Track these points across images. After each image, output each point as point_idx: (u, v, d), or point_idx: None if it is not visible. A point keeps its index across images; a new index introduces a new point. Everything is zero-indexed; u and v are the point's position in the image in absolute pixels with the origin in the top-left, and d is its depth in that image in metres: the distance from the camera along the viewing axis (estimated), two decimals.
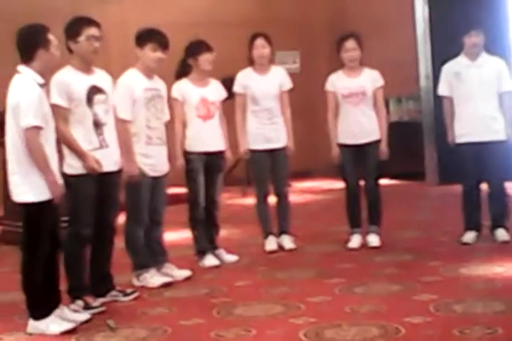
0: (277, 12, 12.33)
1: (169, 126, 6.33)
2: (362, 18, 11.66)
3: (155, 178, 6.01)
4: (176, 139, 6.52)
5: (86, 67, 5.44)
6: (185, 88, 6.57)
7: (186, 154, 6.53)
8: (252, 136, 6.95)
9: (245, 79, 6.97)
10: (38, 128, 4.78)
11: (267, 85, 6.94)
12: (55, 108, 5.15)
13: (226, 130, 6.76)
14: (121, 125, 5.80)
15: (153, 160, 5.98)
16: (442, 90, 6.94)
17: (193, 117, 6.57)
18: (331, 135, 7.00)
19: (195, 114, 6.56)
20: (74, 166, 5.33)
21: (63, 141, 5.28)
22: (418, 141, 11.06)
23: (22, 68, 4.92)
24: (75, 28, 5.39)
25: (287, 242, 7.02)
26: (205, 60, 6.54)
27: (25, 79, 4.88)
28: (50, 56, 4.93)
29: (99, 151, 5.40)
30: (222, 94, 6.77)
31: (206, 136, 6.59)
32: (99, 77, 5.52)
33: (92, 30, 5.39)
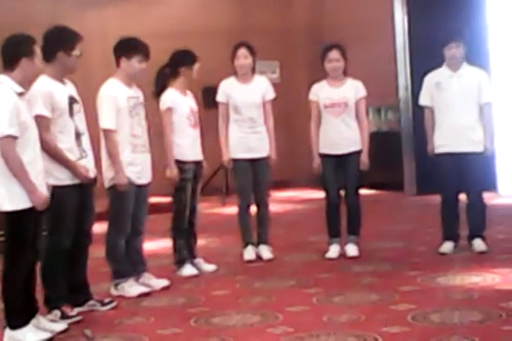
0: (257, 22, 12.36)
1: (158, 135, 6.31)
2: (341, 28, 11.71)
3: (139, 186, 6.00)
4: (169, 148, 6.50)
5: (61, 78, 5.43)
6: (175, 97, 6.55)
7: (179, 163, 6.51)
8: (234, 145, 6.95)
9: (228, 88, 6.98)
10: (12, 137, 4.75)
11: (249, 94, 6.94)
12: (39, 118, 5.13)
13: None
14: (107, 135, 5.82)
15: (138, 167, 5.96)
16: (423, 100, 6.97)
17: (186, 126, 6.56)
18: (312, 145, 7.01)
19: (188, 123, 6.56)
20: (58, 177, 5.29)
21: (49, 152, 5.23)
22: (397, 151, 11.11)
23: (1, 77, 4.91)
24: (71, 40, 5.39)
25: (265, 252, 7.02)
26: (196, 69, 6.58)
27: (2, 89, 4.85)
28: (32, 67, 4.93)
29: (80, 161, 5.39)
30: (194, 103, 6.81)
31: (196, 146, 6.63)
32: (70, 87, 5.52)
33: (81, 46, 5.42)
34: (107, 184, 5.90)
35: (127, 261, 6.04)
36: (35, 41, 4.98)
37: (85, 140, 5.47)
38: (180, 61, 6.59)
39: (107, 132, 5.83)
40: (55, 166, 5.29)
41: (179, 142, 6.53)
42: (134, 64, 5.95)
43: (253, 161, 6.96)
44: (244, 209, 7.02)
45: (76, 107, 5.42)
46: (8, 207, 4.83)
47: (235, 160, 6.97)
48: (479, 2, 10.50)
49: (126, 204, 5.91)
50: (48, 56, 5.32)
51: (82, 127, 5.47)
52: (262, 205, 7.08)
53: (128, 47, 6.01)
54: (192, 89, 6.82)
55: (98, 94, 5.92)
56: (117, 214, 5.93)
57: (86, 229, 5.54)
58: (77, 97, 5.49)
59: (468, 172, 6.75)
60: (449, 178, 6.78)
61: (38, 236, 5.00)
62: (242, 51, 6.92)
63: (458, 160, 6.72)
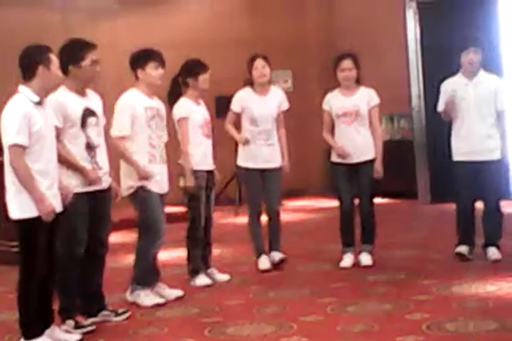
0: (269, 31, 12.36)
1: (171, 145, 6.31)
2: (354, 37, 11.70)
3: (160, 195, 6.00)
4: (186, 158, 6.50)
5: (81, 90, 5.45)
6: (189, 107, 6.57)
7: (192, 173, 6.52)
8: (246, 155, 6.95)
9: (245, 100, 6.96)
10: (19, 146, 4.77)
11: (267, 107, 6.93)
12: None
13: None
14: (117, 142, 5.85)
15: (157, 177, 5.97)
16: (440, 107, 6.94)
17: (199, 136, 6.57)
18: (329, 142, 6.93)
19: (201, 132, 6.58)
20: (67, 185, 5.30)
21: (59, 159, 5.22)
22: (410, 159, 11.08)
23: (20, 87, 4.94)
24: (78, 52, 5.39)
25: (277, 255, 6.97)
26: (204, 79, 6.59)
27: (17, 98, 4.89)
28: (50, 75, 4.94)
29: None
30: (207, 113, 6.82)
31: (209, 155, 6.66)
32: (92, 99, 5.53)
33: (95, 55, 5.42)
34: (125, 192, 5.89)
35: (151, 271, 6.03)
36: (51, 50, 5.00)
37: (100, 153, 5.48)
38: (186, 71, 6.61)
39: (117, 140, 5.86)
40: (64, 173, 5.28)
41: (192, 151, 6.54)
42: (150, 72, 5.97)
43: (264, 171, 6.95)
44: (254, 219, 6.99)
45: (91, 120, 5.43)
46: (18, 214, 4.86)
47: (246, 170, 6.97)
48: (492, 9, 10.49)
49: (157, 213, 5.91)
50: (63, 71, 5.35)
51: (97, 140, 5.47)
52: (274, 215, 7.04)
53: (140, 58, 6.03)
54: (204, 99, 6.83)
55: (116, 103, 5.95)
56: (149, 223, 5.91)
57: (102, 238, 5.55)
58: (97, 110, 5.49)
59: (485, 180, 6.73)
60: (466, 186, 6.75)
61: (52, 246, 5.00)
62: (260, 61, 6.91)
63: (475, 168, 6.70)
